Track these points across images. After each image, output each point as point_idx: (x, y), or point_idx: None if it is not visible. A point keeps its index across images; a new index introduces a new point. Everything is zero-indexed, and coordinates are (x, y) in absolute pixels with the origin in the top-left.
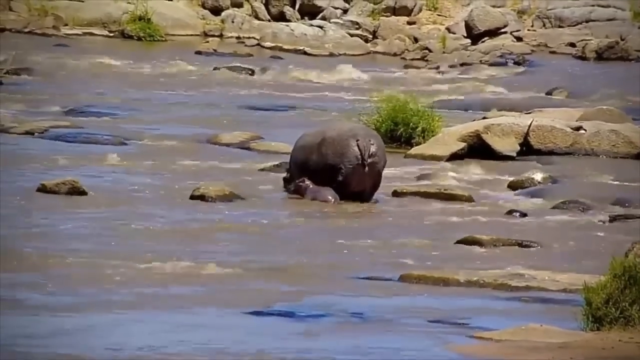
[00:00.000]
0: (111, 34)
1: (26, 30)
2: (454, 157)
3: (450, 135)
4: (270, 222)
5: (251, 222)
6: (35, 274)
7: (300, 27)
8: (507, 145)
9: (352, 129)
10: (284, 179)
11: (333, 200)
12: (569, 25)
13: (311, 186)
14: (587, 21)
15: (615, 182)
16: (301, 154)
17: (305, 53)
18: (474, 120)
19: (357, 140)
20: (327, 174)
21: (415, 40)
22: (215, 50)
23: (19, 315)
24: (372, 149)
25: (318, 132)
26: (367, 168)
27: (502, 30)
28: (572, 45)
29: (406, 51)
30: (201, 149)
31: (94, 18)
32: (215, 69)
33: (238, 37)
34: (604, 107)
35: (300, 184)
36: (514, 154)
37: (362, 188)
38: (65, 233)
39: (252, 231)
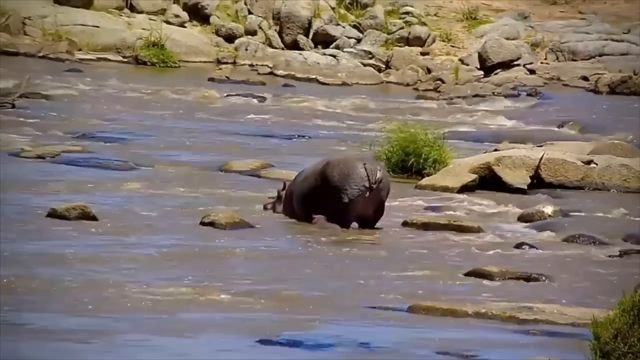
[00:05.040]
0: (125, 60)
1: (40, 54)
2: (465, 188)
3: (461, 167)
4: (279, 250)
5: (260, 250)
6: (44, 298)
7: (313, 56)
8: (518, 177)
9: (358, 156)
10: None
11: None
12: (582, 59)
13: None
14: (600, 55)
15: (626, 217)
16: (303, 182)
17: (318, 82)
18: (486, 152)
19: (364, 164)
20: (330, 197)
21: (428, 71)
22: (228, 77)
23: (23, 341)
24: (379, 174)
25: (320, 161)
26: (372, 193)
27: (515, 62)
28: (585, 79)
29: (419, 82)
30: (212, 176)
31: (108, 43)
32: (227, 95)
33: (251, 65)
34: (616, 141)
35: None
36: (525, 187)
37: (366, 214)
38: (74, 258)
39: (261, 259)
